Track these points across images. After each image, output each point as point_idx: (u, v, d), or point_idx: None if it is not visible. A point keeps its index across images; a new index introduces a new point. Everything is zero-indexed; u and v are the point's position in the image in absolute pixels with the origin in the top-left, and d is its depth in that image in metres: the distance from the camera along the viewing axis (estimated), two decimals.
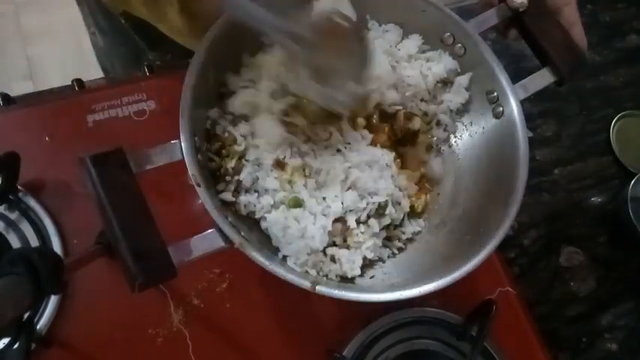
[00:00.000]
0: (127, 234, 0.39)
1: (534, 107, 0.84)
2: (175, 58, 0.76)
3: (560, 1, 0.56)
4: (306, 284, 0.45)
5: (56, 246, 0.56)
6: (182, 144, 0.45)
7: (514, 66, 0.81)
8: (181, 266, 0.41)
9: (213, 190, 0.49)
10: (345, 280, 0.51)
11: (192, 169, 0.45)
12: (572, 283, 0.74)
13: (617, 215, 0.78)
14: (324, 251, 0.51)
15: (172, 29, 0.69)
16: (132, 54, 0.80)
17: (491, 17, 0.57)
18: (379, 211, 0.53)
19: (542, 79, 0.56)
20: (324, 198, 0.51)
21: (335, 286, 0.47)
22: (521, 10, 0.56)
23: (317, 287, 0.45)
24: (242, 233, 0.45)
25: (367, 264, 0.54)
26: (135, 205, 0.40)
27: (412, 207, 0.57)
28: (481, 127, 0.59)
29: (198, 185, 0.44)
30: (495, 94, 0.56)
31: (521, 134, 0.54)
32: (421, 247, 0.56)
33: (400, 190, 0.55)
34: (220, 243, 0.44)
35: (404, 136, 0.59)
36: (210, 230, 0.44)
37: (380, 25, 0.60)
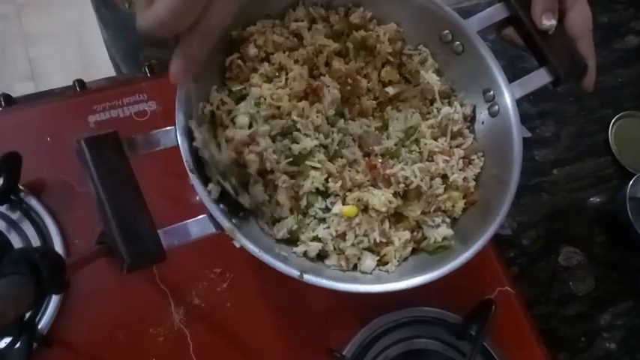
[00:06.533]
0: (118, 216, 0.39)
1: (533, 107, 0.85)
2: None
3: (575, 33, 0.55)
4: (294, 273, 0.45)
5: (57, 246, 0.56)
6: (177, 130, 0.45)
7: (512, 67, 0.81)
8: (170, 250, 0.40)
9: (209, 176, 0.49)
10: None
11: (186, 155, 0.45)
12: (571, 283, 0.74)
13: (616, 215, 0.78)
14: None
15: None
16: (130, 48, 0.80)
17: (490, 15, 0.58)
18: None
19: (539, 78, 0.56)
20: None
21: (323, 276, 0.47)
22: (550, 32, 0.55)
23: (304, 276, 0.45)
24: (233, 220, 0.45)
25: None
26: (127, 188, 0.40)
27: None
28: (479, 124, 0.59)
29: (192, 171, 0.45)
30: (492, 92, 0.56)
31: (516, 133, 0.54)
32: None
33: None
34: (211, 229, 0.44)
35: None
36: (201, 216, 0.44)
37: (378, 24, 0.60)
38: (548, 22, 0.54)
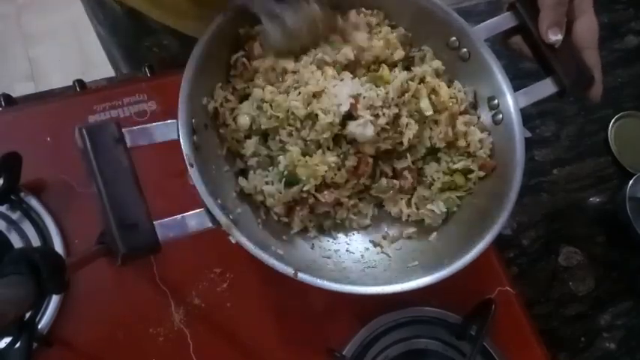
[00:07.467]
0: (115, 205, 0.39)
1: (533, 107, 0.84)
2: (172, 43, 0.76)
3: (582, 43, 0.55)
4: (288, 271, 0.45)
5: (58, 246, 0.56)
6: (179, 123, 0.45)
7: (513, 67, 0.81)
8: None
9: (209, 171, 0.49)
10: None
11: (186, 149, 0.45)
12: (571, 283, 0.74)
13: (616, 215, 0.78)
14: None
15: (169, 14, 0.70)
16: (129, 43, 0.80)
17: (498, 24, 0.58)
18: None
19: (545, 88, 0.56)
20: None
21: (317, 275, 0.48)
22: (556, 46, 0.54)
23: (299, 274, 0.45)
24: (230, 216, 0.45)
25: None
26: (126, 178, 0.40)
27: None
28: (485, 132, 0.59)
29: (191, 165, 0.45)
30: (496, 101, 0.57)
31: (519, 142, 0.54)
32: (420, 245, 0.56)
33: None
34: (208, 223, 0.44)
35: None
36: (199, 210, 0.44)
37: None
38: (554, 37, 0.54)
